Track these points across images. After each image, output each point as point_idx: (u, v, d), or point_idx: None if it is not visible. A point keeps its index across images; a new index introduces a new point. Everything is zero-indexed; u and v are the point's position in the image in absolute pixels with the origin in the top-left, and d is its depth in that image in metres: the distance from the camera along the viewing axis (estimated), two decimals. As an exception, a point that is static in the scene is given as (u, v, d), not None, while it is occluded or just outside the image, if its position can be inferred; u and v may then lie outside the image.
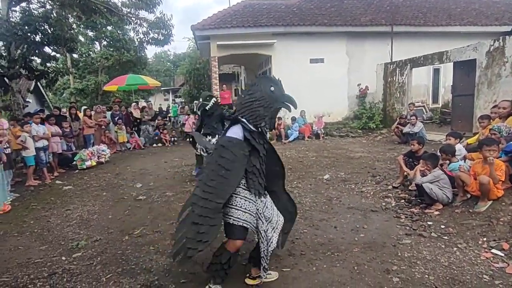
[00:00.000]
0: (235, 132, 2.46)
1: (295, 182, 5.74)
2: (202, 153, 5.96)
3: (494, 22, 13.40)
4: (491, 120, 5.24)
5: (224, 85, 13.31)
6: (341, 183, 5.58)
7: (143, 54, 18.37)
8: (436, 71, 13.78)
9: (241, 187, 2.49)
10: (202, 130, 6.21)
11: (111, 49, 18.49)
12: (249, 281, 2.74)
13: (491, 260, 2.99)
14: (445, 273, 2.80)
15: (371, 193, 4.97)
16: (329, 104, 12.40)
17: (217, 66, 12.30)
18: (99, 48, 20.63)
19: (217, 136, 6.13)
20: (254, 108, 2.47)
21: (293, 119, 11.15)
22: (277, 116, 11.69)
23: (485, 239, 3.34)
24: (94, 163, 8.08)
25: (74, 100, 18.60)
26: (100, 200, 5.35)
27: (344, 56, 12.63)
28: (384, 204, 4.50)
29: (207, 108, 5.94)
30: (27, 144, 6.36)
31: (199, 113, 6.25)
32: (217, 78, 12.37)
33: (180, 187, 5.82)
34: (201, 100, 6.15)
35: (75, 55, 19.70)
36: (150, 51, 61.66)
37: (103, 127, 10.14)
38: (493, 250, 3.14)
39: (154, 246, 3.53)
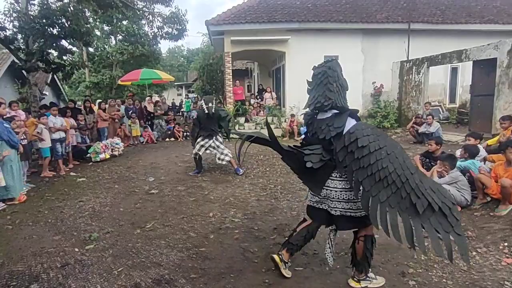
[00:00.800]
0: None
1: (307, 180, 5.65)
2: (199, 153, 6.21)
3: (516, 20, 12.93)
4: (514, 121, 5.05)
5: (237, 81, 13.26)
6: (354, 182, 5.47)
7: (156, 48, 18.47)
8: (454, 70, 13.41)
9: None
10: (199, 133, 6.29)
11: (126, 44, 18.65)
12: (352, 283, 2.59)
13: (512, 266, 2.88)
14: (464, 278, 2.70)
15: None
16: (343, 102, 12.21)
17: (230, 62, 12.26)
18: (114, 42, 20.85)
19: (214, 137, 6.17)
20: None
21: (306, 117, 11.02)
22: (290, 113, 11.62)
23: (506, 244, 3.22)
24: (108, 156, 8.16)
25: (89, 94, 18.89)
26: (112, 192, 5.39)
27: (359, 53, 12.41)
28: (399, 204, 4.38)
29: (210, 113, 6.10)
30: (43, 135, 6.45)
31: (194, 116, 6.42)
32: (231, 74, 12.32)
33: (191, 181, 5.81)
34: (203, 105, 6.15)
35: (91, 49, 19.94)
36: (164, 46, 61.89)
37: (116, 120, 10.24)
38: (515, 256, 3.02)
39: (165, 240, 3.52)
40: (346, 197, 2.41)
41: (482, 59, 8.61)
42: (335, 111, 2.49)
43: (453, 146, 7.41)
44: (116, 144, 8.78)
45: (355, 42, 12.31)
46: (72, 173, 6.85)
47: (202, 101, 6.64)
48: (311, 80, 2.65)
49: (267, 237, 3.55)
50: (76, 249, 3.38)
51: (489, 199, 3.87)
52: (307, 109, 2.70)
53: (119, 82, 15.36)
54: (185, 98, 20.47)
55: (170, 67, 37.77)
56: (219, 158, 6.20)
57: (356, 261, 2.57)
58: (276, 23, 11.66)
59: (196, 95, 19.07)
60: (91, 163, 7.75)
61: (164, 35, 12.84)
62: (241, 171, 6.30)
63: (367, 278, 2.57)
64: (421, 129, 8.83)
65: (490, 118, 8.18)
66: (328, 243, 2.65)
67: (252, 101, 13.58)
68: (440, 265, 2.91)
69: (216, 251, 3.25)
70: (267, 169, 6.58)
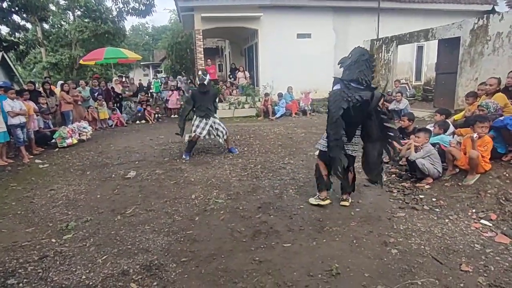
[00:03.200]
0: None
1: (286, 158, 5.73)
2: (200, 136, 5.93)
3: (476, 1, 13.51)
4: (478, 97, 5.34)
5: (209, 60, 12.92)
6: (331, 159, 5.61)
7: (122, 25, 17.45)
8: (420, 49, 13.88)
9: None
10: (195, 113, 6.00)
11: (86, 20, 17.38)
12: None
13: (480, 230, 3.13)
14: (440, 244, 2.90)
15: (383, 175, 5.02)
16: (316, 81, 12.31)
17: (201, 40, 11.88)
18: (72, 18, 19.35)
19: (211, 118, 5.96)
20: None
21: (280, 96, 11.04)
22: (264, 92, 11.60)
23: (474, 210, 3.48)
24: (75, 141, 7.76)
25: (48, 75, 17.64)
26: (86, 179, 5.17)
27: (331, 32, 12.48)
28: (375, 179, 4.57)
29: (205, 82, 5.82)
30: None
31: (189, 92, 6.19)
32: (202, 52, 11.98)
33: (170, 164, 5.69)
34: (200, 73, 6.00)
35: (46, 26, 18.42)
36: (127, 24, 58.58)
37: (80, 103, 9.66)
38: (482, 221, 3.28)
39: (150, 225, 3.45)
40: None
41: (447, 38, 8.95)
42: None
43: (420, 122, 7.75)
44: (84, 128, 8.36)
45: (327, 20, 12.34)
46: (37, 160, 6.45)
47: (198, 77, 6.38)
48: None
49: (253, 216, 3.59)
50: (54, 240, 3.23)
51: (458, 170, 4.12)
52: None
53: (81, 62, 14.43)
54: (153, 78, 19.73)
55: (135, 46, 35.98)
56: (218, 135, 6.03)
57: (347, 186, 3.75)
58: (248, -1, 11.38)
59: (165, 75, 18.42)
60: (57, 149, 7.34)
61: (130, 10, 12.07)
62: (236, 151, 6.26)
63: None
64: (391, 106, 9.14)
65: (453, 95, 8.62)
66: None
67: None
68: (418, 233, 3.10)
69: (204, 233, 3.24)
70: (245, 149, 6.58)
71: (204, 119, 5.93)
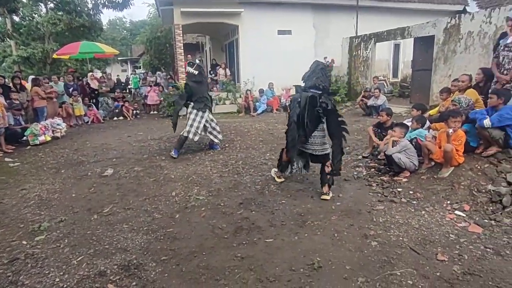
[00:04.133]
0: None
1: (268, 154, 5.73)
2: (189, 135, 5.59)
3: (449, 1, 13.99)
4: (451, 93, 5.51)
5: (189, 56, 12.73)
6: (312, 154, 5.66)
7: (98, 18, 16.85)
8: (397, 47, 14.23)
9: None
10: (193, 105, 5.68)
11: (60, 13, 16.64)
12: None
13: (455, 220, 3.24)
14: (417, 235, 2.98)
15: (342, 163, 5.09)
16: (296, 77, 12.21)
17: (181, 35, 11.67)
18: (44, 11, 18.49)
19: (207, 111, 5.81)
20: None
21: (261, 92, 11.03)
22: (246, 89, 11.58)
23: (448, 202, 3.60)
24: (49, 138, 7.45)
25: (19, 70, 16.82)
26: (60, 178, 4.97)
27: (311, 29, 12.56)
28: (355, 173, 4.65)
29: (198, 70, 5.76)
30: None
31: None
32: (182, 48, 11.77)
33: (149, 161, 5.56)
34: (197, 61, 5.92)
35: (16, 18, 17.52)
36: (104, 18, 56.80)
37: (54, 100, 9.28)
38: (456, 212, 3.41)
39: (128, 224, 3.36)
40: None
41: (422, 36, 9.20)
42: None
43: (397, 118, 7.93)
44: (58, 125, 8.04)
45: (307, 17, 12.41)
46: (7, 159, 6.14)
47: (189, 67, 5.88)
48: None
49: (234, 212, 3.56)
50: (25, 242, 3.07)
51: (433, 163, 4.25)
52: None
53: (55, 56, 13.85)
54: (131, 74, 19.22)
55: (112, 41, 34.89)
56: (210, 133, 5.90)
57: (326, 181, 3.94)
58: (228, -6, 11.27)
59: (144, 71, 18.00)
60: (29, 147, 7.02)
61: (106, 3, 11.64)
62: (218, 147, 6.17)
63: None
64: (370, 102, 9.33)
65: (428, 91, 8.88)
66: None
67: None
68: (396, 225, 3.17)
69: (185, 230, 3.19)
70: (226, 145, 6.52)
71: (201, 112, 5.68)
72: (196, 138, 5.76)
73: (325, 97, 3.73)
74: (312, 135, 3.84)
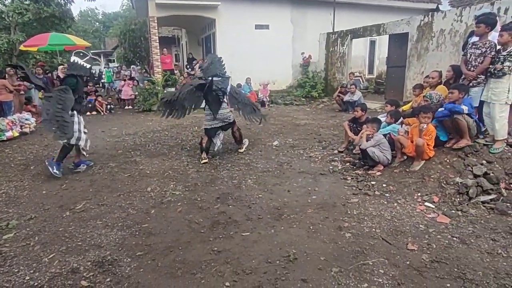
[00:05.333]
0: None
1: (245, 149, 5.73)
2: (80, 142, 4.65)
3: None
4: (423, 89, 5.71)
5: (165, 49, 12.47)
6: (290, 149, 5.72)
7: (68, 8, 16.11)
8: (372, 43, 14.54)
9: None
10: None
11: (27, 2, 15.79)
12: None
13: (424, 211, 3.38)
14: (389, 226, 3.09)
15: (319, 157, 5.19)
16: (274, 72, 12.41)
17: (156, 28, 11.40)
18: (10, 0, 17.51)
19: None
20: None
21: (239, 87, 10.96)
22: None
23: (419, 194, 3.74)
24: (17, 134, 7.11)
25: (-18, 62, 15.89)
26: (29, 174, 4.77)
27: (288, 24, 12.60)
28: (331, 167, 4.74)
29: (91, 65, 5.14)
30: None
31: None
32: (157, 41, 11.51)
33: (124, 157, 5.43)
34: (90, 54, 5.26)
35: (-22, 7, 16.51)
36: (75, 9, 54.46)
37: (22, 92, 8.84)
38: (426, 203, 3.55)
39: (102, 220, 3.28)
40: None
41: (397, 33, 9.45)
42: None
43: (373, 113, 8.14)
44: (26, 120, 7.69)
45: (285, 12, 12.43)
46: (-28, 155, 5.83)
47: (76, 57, 4.80)
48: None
49: (211, 207, 3.55)
50: (-8, 241, 2.95)
51: (405, 157, 4.40)
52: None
53: (22, 47, 13.16)
54: (104, 67, 18.62)
55: (83, 33, 33.58)
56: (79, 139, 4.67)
57: (239, 141, 5.61)
58: (205, -13, 11.11)
59: (118, 65, 17.47)
60: (-5, 143, 6.68)
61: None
62: (89, 163, 4.94)
63: (243, 143, 5.69)
64: (346, 98, 9.51)
65: (402, 87, 9.15)
66: (218, 140, 5.27)
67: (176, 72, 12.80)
68: (370, 217, 3.26)
69: (160, 225, 3.15)
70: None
71: (79, 115, 4.72)
72: (83, 143, 4.70)
73: (223, 81, 4.98)
74: (219, 112, 5.07)
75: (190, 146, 6.05)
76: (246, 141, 5.80)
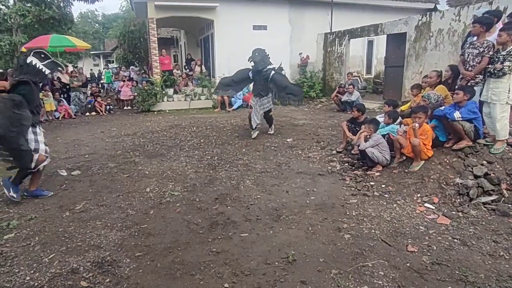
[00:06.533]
0: None
1: (243, 150, 5.74)
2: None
3: (421, -1, 14.40)
4: (422, 89, 5.72)
5: (164, 50, 12.47)
6: (288, 149, 5.73)
7: (68, 11, 16.13)
8: (370, 43, 14.54)
9: None
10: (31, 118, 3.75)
11: (29, 5, 15.82)
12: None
13: (424, 213, 3.38)
14: (389, 227, 3.09)
15: (317, 158, 5.20)
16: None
17: (155, 29, 11.39)
18: (12, 2, 17.50)
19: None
20: None
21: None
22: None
23: (419, 195, 3.74)
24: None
25: (-18, 63, 15.90)
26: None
27: (286, 24, 12.59)
28: (330, 168, 4.75)
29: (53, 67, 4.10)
30: None
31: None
32: (156, 42, 11.49)
33: (123, 157, 5.44)
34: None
35: (-21, 9, 16.51)
36: (75, 11, 54.44)
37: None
38: (426, 204, 3.55)
39: (101, 220, 3.28)
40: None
41: (395, 33, 9.47)
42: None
43: (371, 113, 8.16)
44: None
45: (283, 12, 12.42)
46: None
47: (35, 58, 3.80)
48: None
49: (210, 207, 3.56)
50: (-8, 241, 2.96)
51: (404, 158, 4.41)
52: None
53: (23, 49, 13.17)
54: (104, 68, 18.62)
55: (83, 34, 33.58)
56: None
57: (270, 124, 6.82)
58: (203, -12, 11.11)
59: (117, 65, 17.47)
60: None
61: (77, -6, 11.17)
62: (48, 193, 3.98)
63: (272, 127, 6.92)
64: (344, 98, 9.51)
65: (401, 87, 9.16)
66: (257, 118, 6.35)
67: (175, 71, 12.81)
68: (369, 218, 3.27)
69: (159, 226, 3.15)
70: (202, 140, 6.47)
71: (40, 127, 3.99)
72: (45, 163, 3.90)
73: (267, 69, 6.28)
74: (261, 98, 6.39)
75: (189, 146, 6.06)
76: (273, 127, 6.91)
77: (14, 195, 3.72)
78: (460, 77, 4.70)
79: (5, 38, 15.46)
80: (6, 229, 3.17)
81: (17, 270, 2.52)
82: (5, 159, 3.64)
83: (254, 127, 6.37)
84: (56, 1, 15.18)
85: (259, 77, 6.26)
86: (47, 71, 3.87)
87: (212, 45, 12.48)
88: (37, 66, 3.74)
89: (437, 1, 14.49)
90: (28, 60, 3.69)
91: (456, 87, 4.51)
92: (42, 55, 3.82)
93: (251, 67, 6.37)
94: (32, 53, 3.78)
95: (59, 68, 4.10)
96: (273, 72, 6.26)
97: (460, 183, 3.69)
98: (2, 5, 17.13)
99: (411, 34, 8.73)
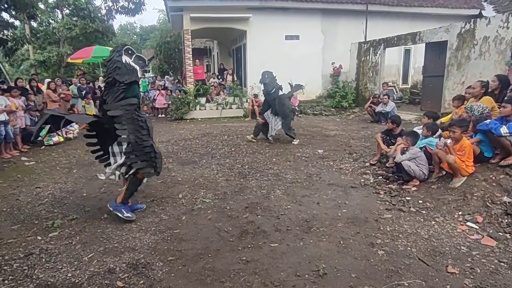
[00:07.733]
0: None
1: (274, 159, 5.74)
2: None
3: (463, 5, 13.78)
4: (466, 100, 5.42)
5: (197, 60, 12.87)
6: (319, 160, 5.66)
7: (111, 24, 17.26)
8: (407, 52, 14.10)
9: None
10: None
11: (75, 19, 17.10)
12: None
13: (467, 232, 3.15)
14: (426, 245, 2.93)
15: (350, 170, 5.09)
16: (303, 82, 12.32)
17: (190, 40, 11.81)
18: (60, 16, 19.00)
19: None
20: None
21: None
22: (253, 93, 11.89)
23: (460, 213, 3.51)
24: (62, 139, 7.62)
25: (35, 72, 17.26)
26: (72, 177, 5.07)
27: (319, 34, 12.56)
28: (363, 180, 4.62)
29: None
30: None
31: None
32: (190, 53, 11.90)
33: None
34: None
35: (34, 24, 18.04)
36: (115, 24, 57.84)
37: (70, 103, 9.46)
38: (468, 223, 3.30)
39: (136, 224, 3.40)
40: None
41: (434, 41, 9.12)
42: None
43: (406, 125, 7.88)
44: (70, 126, 8.19)
45: (315, 22, 12.42)
46: (23, 158, 6.31)
47: (126, 56, 3.42)
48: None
49: (240, 216, 3.58)
50: (39, 238, 3.16)
51: (444, 172, 4.18)
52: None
53: (69, 60, 14.18)
54: (141, 77, 19.47)
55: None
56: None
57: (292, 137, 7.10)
58: (237, 0, 11.38)
59: (153, 75, 18.23)
60: (43, 147, 7.19)
61: (119, 9, 11.92)
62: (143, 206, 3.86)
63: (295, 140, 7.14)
64: (378, 108, 9.28)
65: (440, 98, 8.77)
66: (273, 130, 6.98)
67: (212, 80, 13.20)
68: (405, 234, 3.13)
69: (191, 232, 3.22)
70: (233, 149, 6.56)
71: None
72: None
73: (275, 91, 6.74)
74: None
75: (220, 155, 6.16)
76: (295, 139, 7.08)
77: (130, 215, 3.46)
78: (510, 88, 4.41)
79: (54, 49, 16.75)
80: (51, 227, 3.38)
81: (60, 267, 2.67)
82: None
83: (267, 137, 7.11)
84: (100, 15, 16.26)
85: (269, 97, 6.80)
86: (138, 68, 3.47)
87: (244, 55, 12.71)
88: (132, 65, 3.38)
89: (482, 7, 13.79)
90: (124, 60, 3.33)
91: (505, 99, 4.23)
92: (129, 51, 3.45)
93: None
94: (123, 52, 3.38)
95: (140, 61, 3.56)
96: (279, 93, 6.77)
97: (508, 202, 3.42)
98: (52, 20, 18.60)
99: (453, 42, 8.37)
